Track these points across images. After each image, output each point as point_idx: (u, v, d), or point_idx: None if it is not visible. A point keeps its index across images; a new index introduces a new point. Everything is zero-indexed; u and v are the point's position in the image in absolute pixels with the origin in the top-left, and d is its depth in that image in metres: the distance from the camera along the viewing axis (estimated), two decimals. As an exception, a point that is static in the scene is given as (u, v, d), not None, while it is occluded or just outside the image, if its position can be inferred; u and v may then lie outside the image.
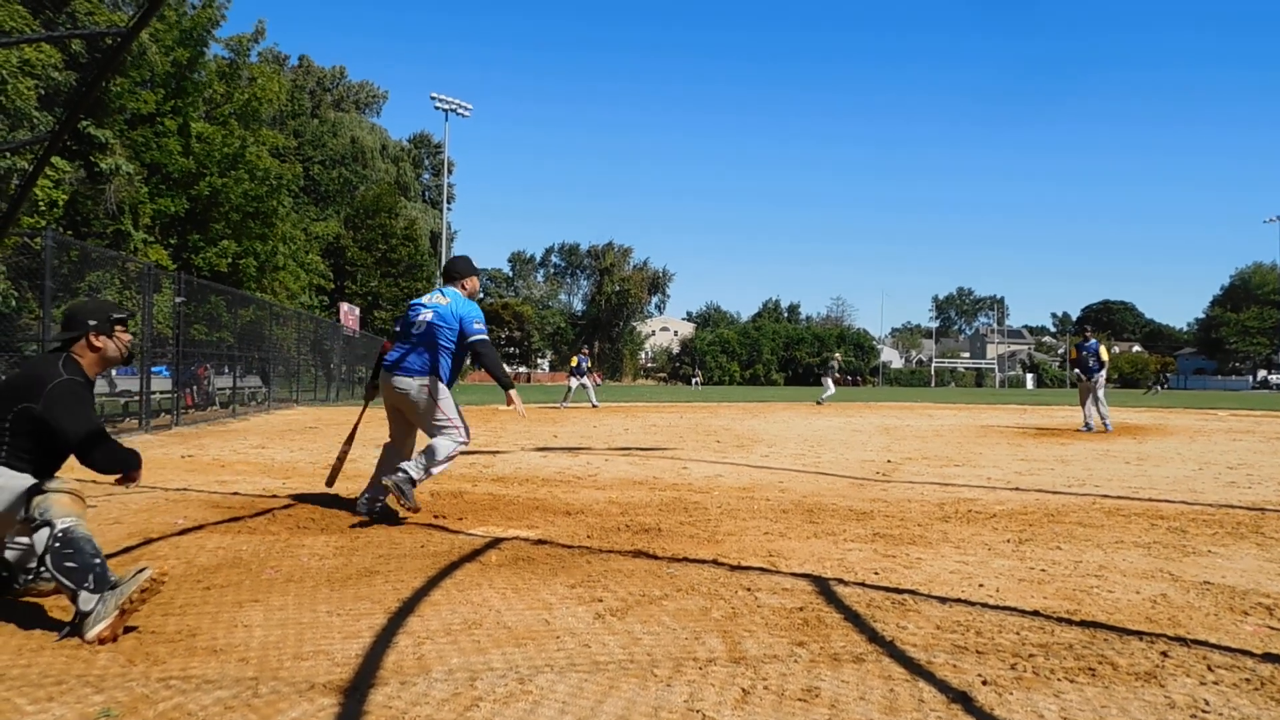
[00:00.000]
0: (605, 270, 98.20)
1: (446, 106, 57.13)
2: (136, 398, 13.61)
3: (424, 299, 5.63)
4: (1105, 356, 14.88)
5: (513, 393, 5.40)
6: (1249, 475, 8.39)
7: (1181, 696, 2.53)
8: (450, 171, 67.48)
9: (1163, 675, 2.70)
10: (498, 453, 10.11)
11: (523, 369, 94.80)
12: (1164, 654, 2.91)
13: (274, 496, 6.43)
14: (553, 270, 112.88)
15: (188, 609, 3.33)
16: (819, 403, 28.68)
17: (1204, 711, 2.42)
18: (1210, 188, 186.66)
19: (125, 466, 3.46)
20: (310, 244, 39.82)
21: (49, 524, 3.06)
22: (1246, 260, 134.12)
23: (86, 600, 2.96)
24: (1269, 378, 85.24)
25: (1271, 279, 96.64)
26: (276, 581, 3.83)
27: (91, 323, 3.54)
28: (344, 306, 37.59)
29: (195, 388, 17.60)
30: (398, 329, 5.66)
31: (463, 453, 5.44)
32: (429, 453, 5.30)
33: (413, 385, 5.36)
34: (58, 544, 3.03)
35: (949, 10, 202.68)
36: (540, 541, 4.77)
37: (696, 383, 63.68)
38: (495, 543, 4.71)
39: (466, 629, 3.11)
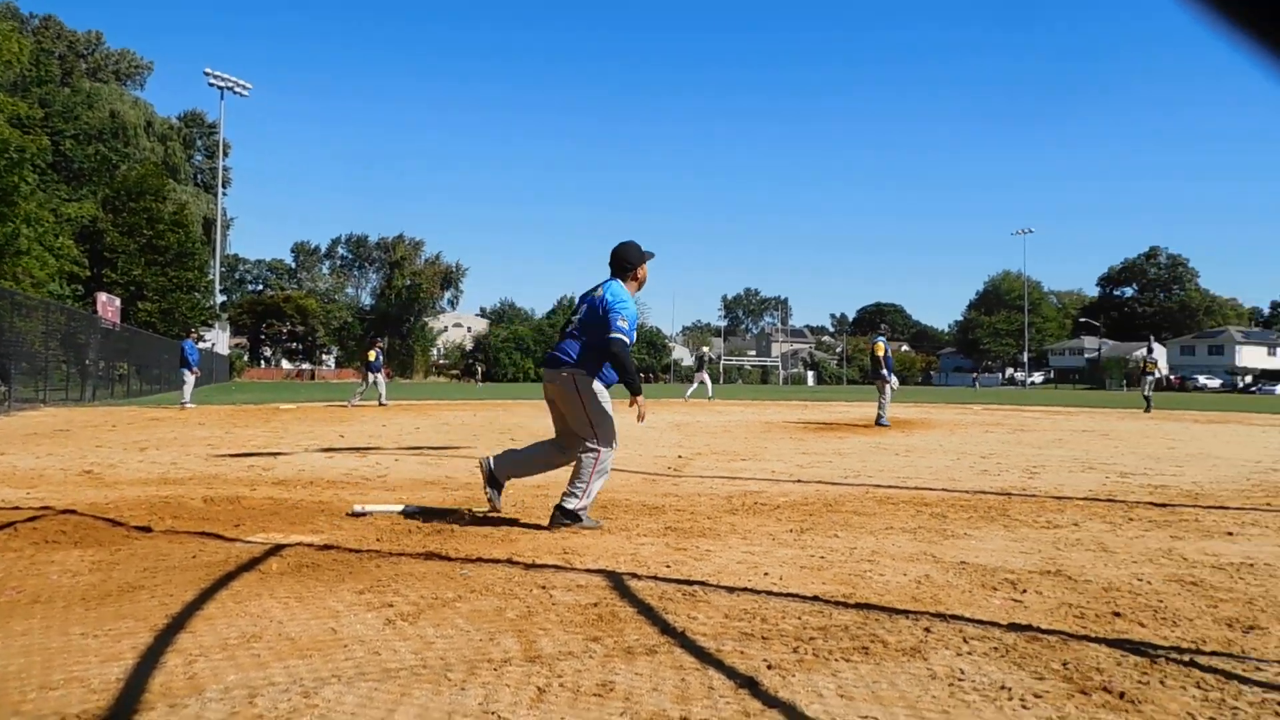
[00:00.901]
0: (396, 264, 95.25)
1: (222, 84, 53.54)
2: None
3: (587, 291, 5.40)
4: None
5: (640, 398, 5.26)
6: (998, 464, 9.29)
7: (942, 667, 2.75)
8: (226, 154, 63.46)
9: (926, 649, 2.92)
10: (279, 454, 9.57)
11: (306, 365, 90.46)
12: (927, 630, 3.15)
13: (16, 508, 5.75)
14: (339, 263, 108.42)
15: (-92, 638, 2.92)
16: (687, 398, 29.06)
17: (960, 679, 2.64)
18: (969, 198, 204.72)
19: None
20: (61, 227, 36.12)
21: None
22: (998, 268, 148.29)
23: None
24: (1015, 375, 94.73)
25: (1017, 286, 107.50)
26: (19, 604, 3.44)
27: None
28: (102, 297, 34.40)
29: (-82, 386, 15.55)
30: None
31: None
32: (576, 472, 5.12)
33: (560, 377, 5.14)
34: None
35: (708, 12, 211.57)
36: (326, 546, 4.55)
37: (478, 381, 59.03)
38: (276, 550, 4.44)
39: (245, 643, 2.92)
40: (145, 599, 3.49)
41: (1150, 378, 25.73)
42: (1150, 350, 28.13)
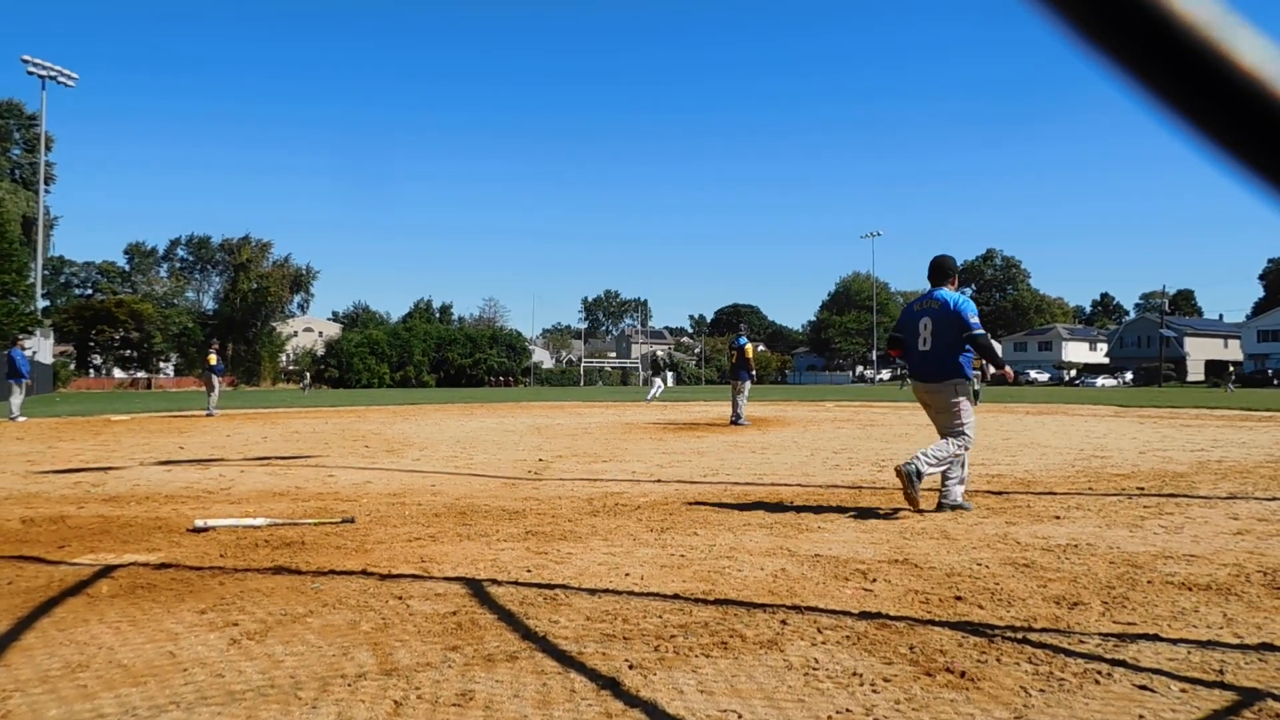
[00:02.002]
0: (241, 266, 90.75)
1: (43, 73, 49.81)
2: None
3: (915, 305, 6.30)
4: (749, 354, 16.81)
5: (1006, 367, 6.57)
6: (849, 458, 9.65)
7: (797, 658, 2.82)
8: (49, 148, 59.06)
9: (782, 641, 3.00)
10: (110, 469, 8.96)
11: (142, 374, 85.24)
12: (783, 622, 3.23)
13: None
14: (179, 265, 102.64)
15: None
16: (649, 400, 28.95)
17: (814, 669, 2.72)
18: (821, 202, 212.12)
19: None
20: None
21: None
22: (848, 270, 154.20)
23: None
24: (865, 373, 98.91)
25: (866, 287, 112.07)
26: None
27: None
28: (-96, 302, 31.38)
29: None
30: (899, 335, 6.38)
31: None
32: (938, 447, 5.81)
33: (940, 387, 6.01)
34: None
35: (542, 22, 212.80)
36: (164, 565, 4.28)
37: (305, 387, 54.40)
38: (107, 571, 4.15)
39: (69, 673, 2.70)
40: (-47, 631, 3.18)
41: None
42: None
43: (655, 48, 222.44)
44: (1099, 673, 2.67)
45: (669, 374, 30.89)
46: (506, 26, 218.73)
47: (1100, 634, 3.08)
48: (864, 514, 5.79)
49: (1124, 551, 4.54)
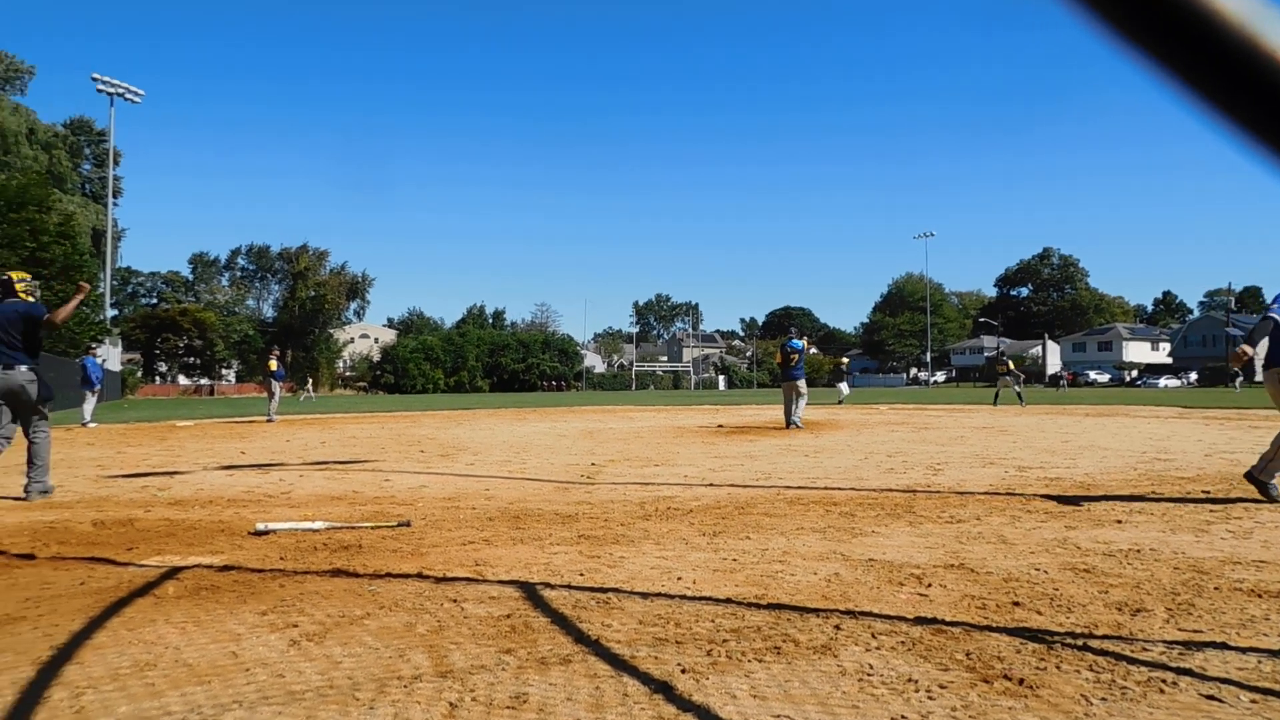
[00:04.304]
0: (299, 274, 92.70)
1: (112, 90, 51.41)
2: None
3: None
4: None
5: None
6: (903, 462, 9.53)
7: (851, 663, 2.80)
8: (117, 163, 60.88)
9: (836, 646, 2.97)
10: (175, 473, 9.20)
11: (205, 381, 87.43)
12: (837, 627, 3.20)
13: (-115, 538, 5.39)
14: (240, 274, 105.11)
15: None
16: (839, 402, 30.10)
17: (869, 674, 2.69)
18: (873, 203, 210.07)
19: None
20: (-67, 240, 34.04)
21: None
22: (901, 271, 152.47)
23: None
24: (919, 375, 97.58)
25: (920, 288, 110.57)
26: (-112, 639, 3.21)
27: None
28: (-19, 313, 32.51)
29: None
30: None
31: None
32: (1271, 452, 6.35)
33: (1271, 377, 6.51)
34: None
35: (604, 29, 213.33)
36: (226, 568, 4.38)
37: (306, 396, 54.40)
38: (173, 573, 4.26)
39: (138, 671, 2.79)
40: (27, 630, 3.30)
41: (1008, 376, 27.08)
42: (1000, 351, 30.12)
43: (709, 51, 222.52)
44: (1164, 681, 2.61)
45: (843, 385, 32.71)
46: (563, 30, 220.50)
47: (1165, 641, 3.01)
48: (918, 518, 5.72)
49: (1189, 557, 4.42)
